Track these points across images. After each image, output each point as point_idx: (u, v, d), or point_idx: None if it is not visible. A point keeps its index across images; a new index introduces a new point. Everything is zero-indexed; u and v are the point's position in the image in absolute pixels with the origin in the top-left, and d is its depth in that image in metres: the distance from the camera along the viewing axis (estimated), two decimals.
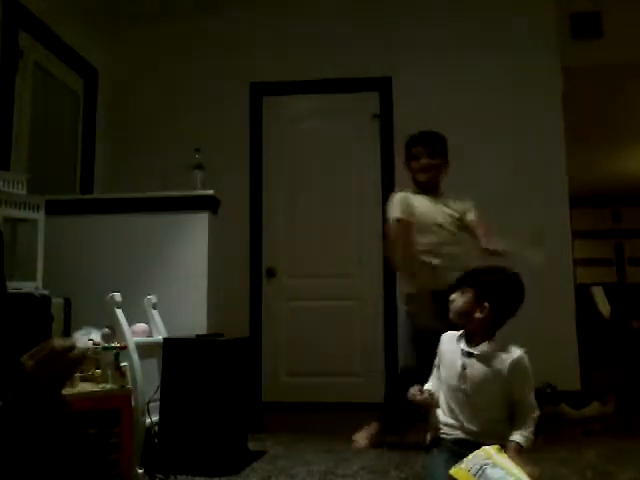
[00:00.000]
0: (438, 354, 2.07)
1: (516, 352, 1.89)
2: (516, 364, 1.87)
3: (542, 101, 4.12)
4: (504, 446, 1.79)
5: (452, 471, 1.70)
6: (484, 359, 1.90)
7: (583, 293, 6.32)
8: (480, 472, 1.63)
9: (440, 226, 2.85)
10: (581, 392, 3.75)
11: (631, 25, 4.25)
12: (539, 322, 3.43)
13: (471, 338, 1.96)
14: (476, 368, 1.91)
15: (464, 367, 1.92)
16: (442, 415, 1.98)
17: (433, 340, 2.25)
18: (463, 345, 1.96)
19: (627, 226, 9.39)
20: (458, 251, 2.81)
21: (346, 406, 3.85)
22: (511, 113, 4.15)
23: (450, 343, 2.02)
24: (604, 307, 7.24)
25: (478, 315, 1.93)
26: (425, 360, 2.29)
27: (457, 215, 2.90)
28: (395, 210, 2.87)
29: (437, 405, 1.99)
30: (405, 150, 3.04)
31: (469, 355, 1.93)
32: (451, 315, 2.00)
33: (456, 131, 4.14)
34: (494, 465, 1.64)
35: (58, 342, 1.12)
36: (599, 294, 7.34)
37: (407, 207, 2.86)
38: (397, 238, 2.88)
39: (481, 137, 4.14)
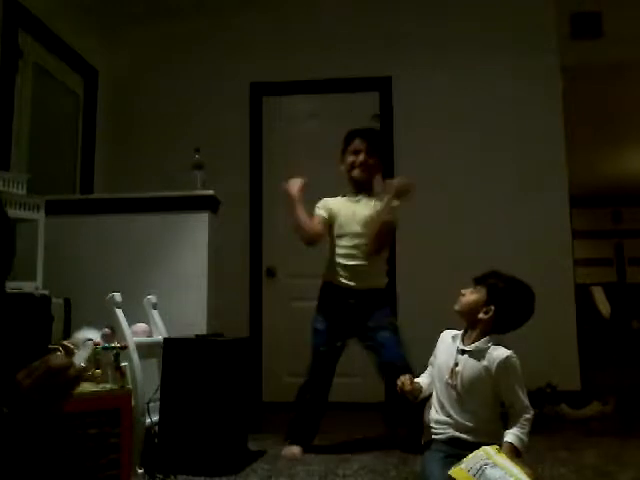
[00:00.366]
0: (435, 351, 2.07)
1: (503, 351, 1.88)
2: (502, 363, 1.86)
3: (542, 101, 4.12)
4: (501, 446, 1.80)
5: (451, 471, 1.70)
6: (475, 356, 1.91)
7: (583, 293, 6.32)
8: (480, 472, 1.63)
9: (356, 235, 2.77)
10: (581, 392, 3.75)
11: (631, 25, 4.25)
12: (539, 322, 3.38)
13: (468, 336, 1.97)
14: (467, 365, 1.91)
15: (456, 364, 1.93)
16: (434, 413, 1.99)
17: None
18: (459, 343, 1.97)
19: (627, 226, 9.39)
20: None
21: (346, 406, 3.85)
22: (511, 113, 4.15)
23: (447, 341, 2.03)
24: (604, 307, 7.25)
25: (482, 316, 1.94)
26: None
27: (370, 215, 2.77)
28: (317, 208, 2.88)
29: (420, 397, 2.02)
30: (344, 142, 2.92)
31: (462, 352, 1.94)
32: (457, 307, 2.00)
33: (456, 131, 4.17)
34: (494, 465, 1.64)
35: (55, 361, 1.08)
36: (599, 294, 7.34)
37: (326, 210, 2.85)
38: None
39: (481, 137, 4.14)
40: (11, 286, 2.35)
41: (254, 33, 4.43)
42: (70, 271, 2.96)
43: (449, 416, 1.93)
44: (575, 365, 3.88)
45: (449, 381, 1.93)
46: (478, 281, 2.01)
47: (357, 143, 2.86)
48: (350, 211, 2.84)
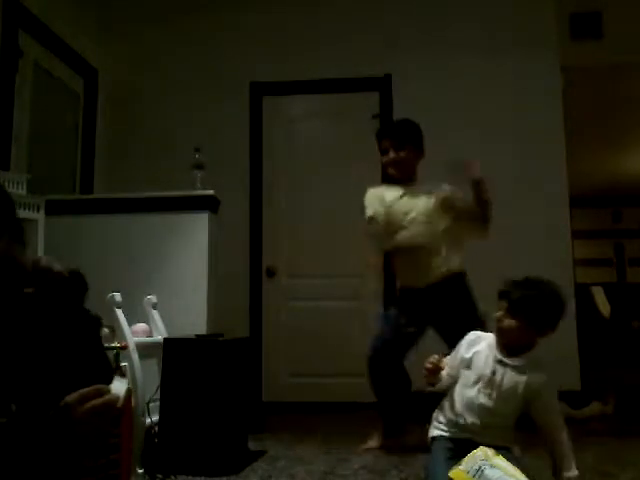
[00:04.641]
0: (457, 353, 2.04)
1: (542, 377, 1.90)
2: (545, 381, 1.89)
3: (542, 101, 4.12)
4: (509, 449, 1.86)
5: (451, 473, 1.70)
6: (516, 370, 1.91)
7: (583, 293, 6.31)
8: (479, 473, 1.64)
9: (414, 219, 2.78)
10: (581, 392, 3.74)
11: (631, 25, 4.25)
12: None
13: (504, 347, 1.95)
14: (507, 377, 1.91)
15: (494, 373, 1.92)
16: (448, 412, 1.98)
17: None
18: (497, 352, 1.95)
19: (627, 226, 9.39)
20: (433, 244, 2.75)
21: (346, 406, 3.85)
22: (511, 113, 4.15)
23: (480, 347, 2.00)
24: (604, 307, 7.24)
25: (527, 340, 1.93)
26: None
27: (434, 203, 2.79)
28: (367, 208, 2.86)
29: (435, 388, 2.01)
30: (377, 143, 3.01)
31: (502, 363, 1.92)
32: (498, 335, 1.96)
33: (456, 131, 4.16)
34: (492, 466, 1.64)
35: (113, 395, 1.06)
36: (599, 294, 7.33)
37: (379, 203, 2.83)
38: (369, 237, 2.91)
39: (481, 137, 4.14)
40: None
41: (254, 33, 4.43)
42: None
43: (465, 419, 1.93)
44: (575, 365, 3.88)
45: (483, 389, 1.93)
46: (512, 307, 1.93)
47: (384, 143, 2.93)
48: (404, 204, 2.82)
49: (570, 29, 4.33)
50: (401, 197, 2.82)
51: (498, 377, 1.91)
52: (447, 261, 2.77)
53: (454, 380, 2.01)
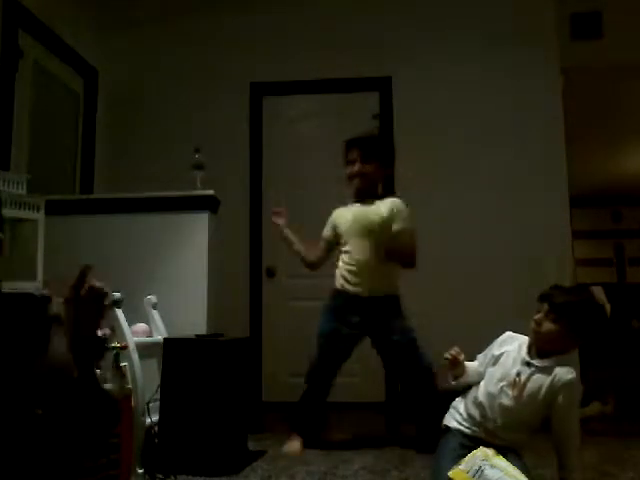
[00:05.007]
0: (489, 351, 2.04)
1: (570, 372, 1.89)
2: (568, 384, 1.88)
3: (542, 101, 4.12)
4: (519, 453, 1.87)
5: (451, 473, 1.70)
6: (542, 372, 1.90)
7: None
8: (479, 473, 1.64)
9: (361, 238, 2.79)
10: (581, 392, 3.74)
11: (631, 25, 4.25)
12: None
13: (537, 351, 1.94)
14: (532, 379, 1.90)
15: (518, 374, 1.91)
16: (470, 404, 1.99)
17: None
18: (524, 354, 1.94)
19: (627, 226, 9.38)
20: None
21: (346, 406, 3.85)
22: (511, 113, 4.15)
23: (512, 347, 2.00)
24: (604, 307, 7.23)
25: (562, 346, 1.92)
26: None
27: (380, 220, 2.78)
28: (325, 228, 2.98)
29: (458, 382, 2.02)
30: (343, 154, 2.96)
31: (528, 365, 1.92)
32: (532, 338, 1.96)
33: (456, 131, 4.17)
34: (492, 466, 1.65)
35: (96, 282, 1.11)
36: (599, 294, 7.33)
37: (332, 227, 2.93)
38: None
39: (481, 137, 4.14)
40: (11, 286, 2.35)
41: (254, 33, 4.43)
42: (70, 271, 2.95)
43: (484, 417, 1.93)
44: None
45: (506, 389, 1.92)
46: (553, 309, 1.93)
47: (351, 153, 2.89)
48: (353, 218, 2.85)
49: (570, 29, 4.33)
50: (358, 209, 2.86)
51: (523, 378, 1.90)
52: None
53: (481, 378, 2.01)
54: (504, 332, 2.09)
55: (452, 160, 4.14)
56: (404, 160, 4.09)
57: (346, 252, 2.84)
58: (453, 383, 2.05)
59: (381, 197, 2.89)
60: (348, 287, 2.80)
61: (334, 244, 2.94)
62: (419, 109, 4.21)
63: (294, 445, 2.69)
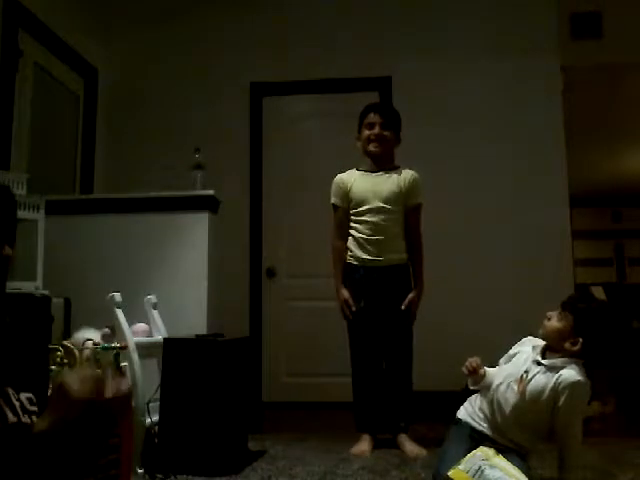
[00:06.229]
0: (517, 349, 2.06)
1: (575, 374, 1.87)
2: (570, 385, 1.86)
3: (542, 101, 4.12)
4: (525, 455, 1.88)
5: (450, 473, 1.70)
6: (547, 370, 1.91)
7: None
8: (479, 473, 1.64)
9: (379, 210, 2.74)
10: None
11: (631, 25, 4.24)
12: (539, 322, 3.43)
13: (549, 354, 1.96)
14: (536, 377, 1.91)
15: (526, 371, 1.93)
16: (483, 400, 2.02)
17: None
18: (537, 354, 1.96)
19: (627, 226, 9.38)
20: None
21: (346, 406, 3.84)
22: (511, 113, 4.15)
23: (527, 348, 2.02)
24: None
25: (568, 346, 1.92)
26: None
27: (399, 191, 2.76)
28: (332, 194, 2.87)
29: (477, 386, 2.03)
30: (359, 118, 2.91)
31: (537, 364, 1.94)
32: (541, 332, 1.98)
33: (456, 131, 4.17)
34: (492, 466, 1.64)
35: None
36: (599, 294, 7.32)
37: (343, 191, 2.82)
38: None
39: (481, 137, 4.14)
40: (11, 286, 2.35)
41: (254, 33, 4.43)
42: (70, 271, 2.96)
43: (493, 413, 1.96)
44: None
45: (513, 384, 1.94)
46: (565, 306, 1.96)
47: (371, 117, 2.84)
48: (370, 186, 2.79)
49: (570, 29, 4.33)
50: (374, 178, 2.81)
51: (530, 375, 1.92)
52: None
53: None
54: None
55: (452, 160, 4.14)
56: (404, 160, 4.11)
57: (362, 222, 2.76)
58: (472, 388, 2.07)
59: (396, 168, 2.84)
60: (366, 257, 2.74)
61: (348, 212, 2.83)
62: (419, 109, 4.20)
63: (361, 446, 2.64)
